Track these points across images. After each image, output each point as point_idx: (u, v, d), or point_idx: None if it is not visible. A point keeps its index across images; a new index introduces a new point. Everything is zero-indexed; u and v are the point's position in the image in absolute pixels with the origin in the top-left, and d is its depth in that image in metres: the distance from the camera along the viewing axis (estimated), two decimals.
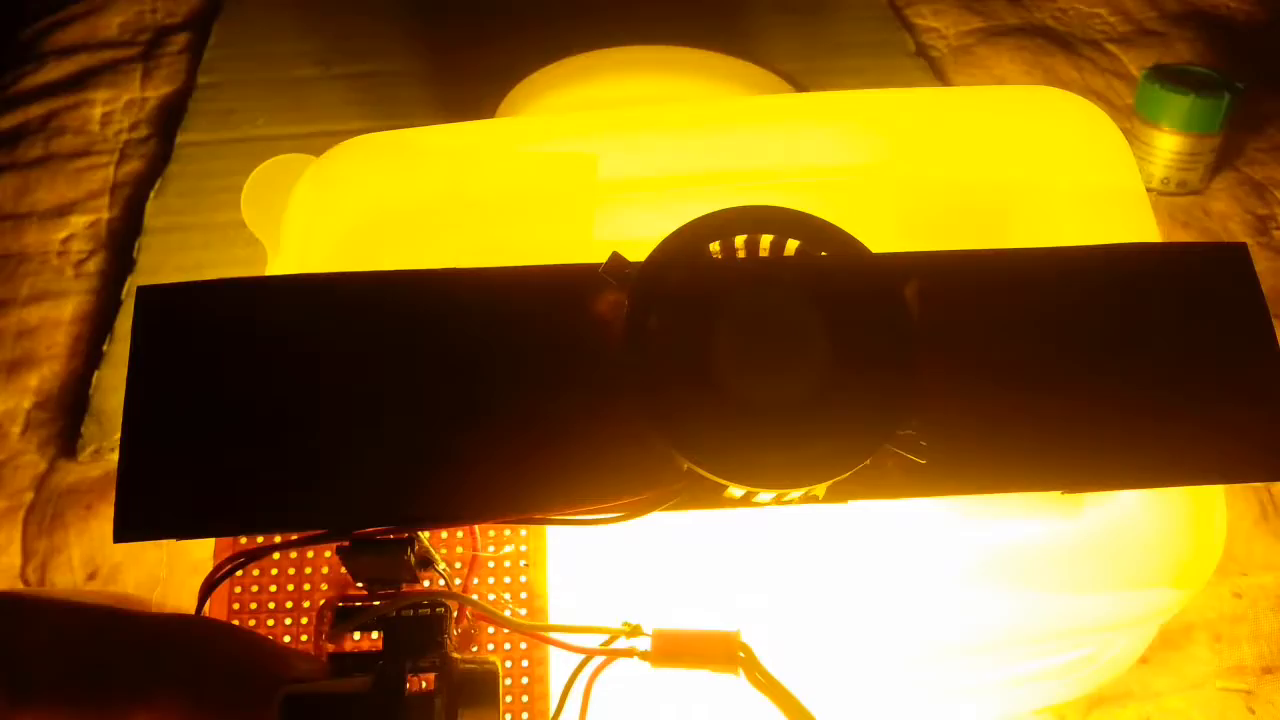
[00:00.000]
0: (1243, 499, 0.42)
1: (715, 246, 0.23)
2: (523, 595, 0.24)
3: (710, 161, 0.33)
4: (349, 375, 0.22)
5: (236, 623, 0.24)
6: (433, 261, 0.24)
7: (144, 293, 0.23)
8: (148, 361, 0.22)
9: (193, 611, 0.23)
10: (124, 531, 0.21)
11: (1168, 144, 0.56)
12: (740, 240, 0.23)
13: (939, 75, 0.65)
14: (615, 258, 0.23)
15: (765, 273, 0.23)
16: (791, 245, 0.23)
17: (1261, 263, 0.53)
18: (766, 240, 0.23)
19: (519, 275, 0.23)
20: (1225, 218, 0.56)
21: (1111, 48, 0.68)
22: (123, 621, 0.22)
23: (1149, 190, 0.57)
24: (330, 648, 0.23)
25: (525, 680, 0.24)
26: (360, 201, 0.32)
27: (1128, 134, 0.57)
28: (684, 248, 0.23)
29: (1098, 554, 0.28)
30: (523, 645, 0.24)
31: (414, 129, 0.33)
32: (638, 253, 0.23)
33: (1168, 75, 0.56)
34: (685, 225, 0.23)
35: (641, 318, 0.22)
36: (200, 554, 0.38)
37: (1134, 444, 0.23)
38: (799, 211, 0.23)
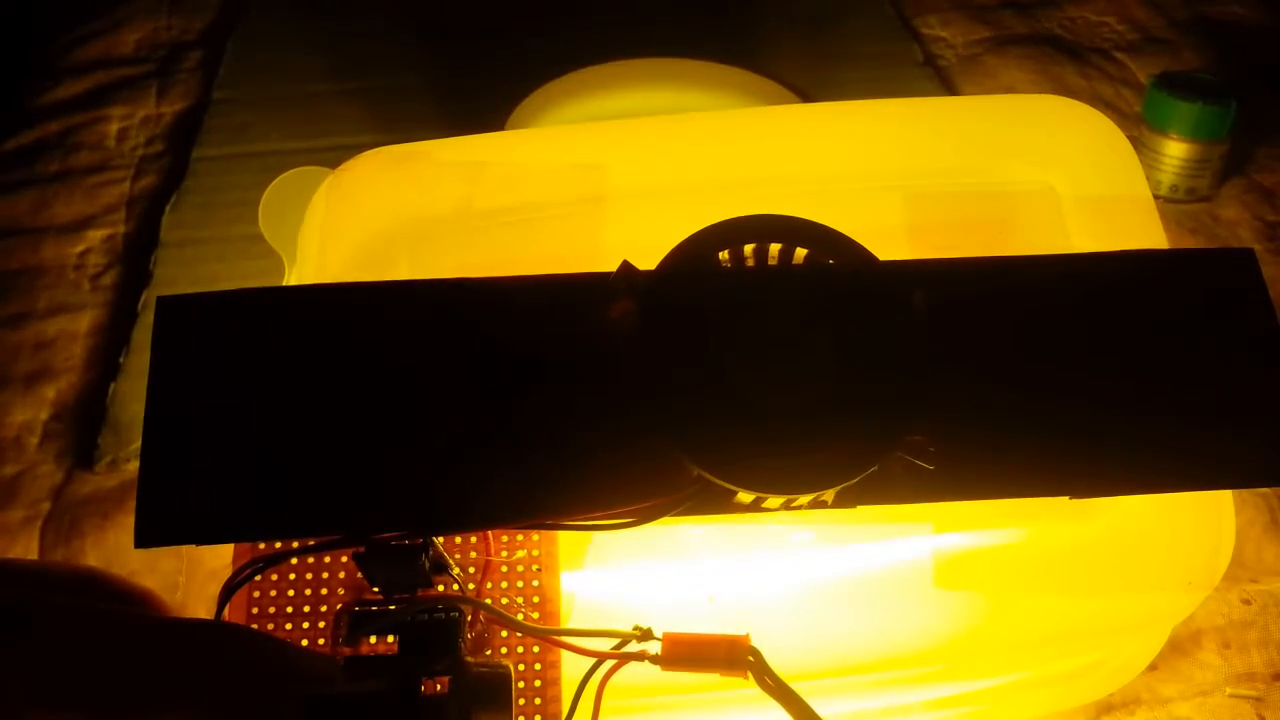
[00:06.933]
0: (1253, 505, 0.41)
1: (724, 255, 0.23)
2: (535, 600, 0.25)
3: (718, 171, 0.33)
4: (365, 382, 0.23)
5: (255, 626, 0.24)
6: (447, 271, 0.24)
7: (164, 302, 0.23)
8: (168, 368, 0.23)
9: (212, 616, 0.23)
10: (145, 537, 0.21)
11: (1176, 151, 0.56)
12: (749, 248, 0.23)
13: (947, 85, 0.65)
14: (625, 266, 0.23)
15: (774, 280, 0.23)
16: (800, 253, 0.23)
17: (1271, 269, 0.53)
18: (775, 248, 0.23)
19: (531, 284, 0.24)
20: (1234, 224, 0.56)
21: (1120, 56, 0.68)
22: (147, 625, 0.22)
23: (1157, 198, 0.57)
24: (346, 651, 0.24)
25: (538, 683, 0.24)
26: (376, 212, 0.32)
27: (1136, 142, 0.57)
28: (694, 256, 0.23)
29: (1105, 557, 0.28)
30: (535, 649, 0.24)
31: (428, 141, 0.33)
32: (648, 261, 0.23)
33: (1175, 83, 0.56)
34: (695, 234, 0.23)
35: (652, 325, 0.22)
36: (215, 563, 0.38)
37: (1142, 450, 0.23)
38: (807, 220, 0.24)
